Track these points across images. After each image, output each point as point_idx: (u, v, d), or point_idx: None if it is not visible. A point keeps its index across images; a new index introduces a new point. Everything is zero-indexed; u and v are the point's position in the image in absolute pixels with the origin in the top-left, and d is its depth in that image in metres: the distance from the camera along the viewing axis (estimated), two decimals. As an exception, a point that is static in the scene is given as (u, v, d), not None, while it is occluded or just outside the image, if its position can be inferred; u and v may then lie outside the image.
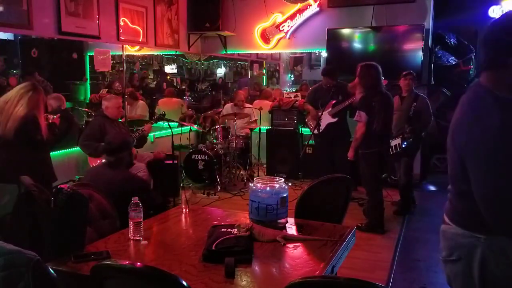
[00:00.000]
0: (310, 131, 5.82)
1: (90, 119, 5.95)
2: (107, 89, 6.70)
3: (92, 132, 4.68)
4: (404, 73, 5.25)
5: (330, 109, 5.57)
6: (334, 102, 5.56)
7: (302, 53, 10.19)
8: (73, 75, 6.37)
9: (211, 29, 7.11)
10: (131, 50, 6.87)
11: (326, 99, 5.55)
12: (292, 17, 7.06)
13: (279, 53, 10.03)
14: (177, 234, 2.48)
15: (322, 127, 5.63)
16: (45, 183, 3.89)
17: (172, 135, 5.25)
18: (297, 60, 11.10)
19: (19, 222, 2.44)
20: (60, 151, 4.90)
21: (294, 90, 9.30)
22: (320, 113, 5.59)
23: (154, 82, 8.98)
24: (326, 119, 5.60)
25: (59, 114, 4.19)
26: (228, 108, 7.08)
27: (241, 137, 6.59)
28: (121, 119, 6.14)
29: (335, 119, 5.57)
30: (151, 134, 6.30)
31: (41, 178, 3.88)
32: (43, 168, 3.91)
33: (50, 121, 4.05)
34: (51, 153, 4.12)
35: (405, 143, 5.01)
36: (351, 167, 4.68)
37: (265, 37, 7.29)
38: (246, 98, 7.92)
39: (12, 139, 3.67)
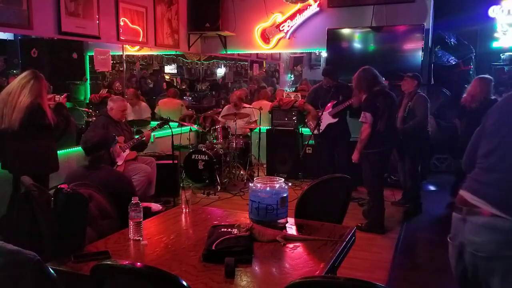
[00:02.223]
0: (310, 131, 5.82)
1: (90, 119, 5.95)
2: (107, 89, 6.69)
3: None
4: (407, 74, 5.27)
5: (330, 109, 5.57)
6: (334, 102, 5.56)
7: (302, 53, 10.18)
8: (73, 75, 6.36)
9: (211, 29, 7.10)
10: (131, 50, 6.87)
11: (326, 99, 5.55)
12: (292, 17, 7.06)
13: (279, 53, 10.03)
14: (177, 234, 2.48)
15: (322, 128, 5.63)
16: (51, 171, 3.98)
17: (172, 135, 5.25)
18: (297, 60, 11.09)
19: (19, 222, 2.45)
20: (60, 151, 4.89)
21: (293, 90, 9.29)
22: (320, 113, 5.59)
23: (154, 82, 8.97)
24: (327, 119, 5.60)
25: (65, 94, 4.24)
26: (226, 109, 7.07)
27: (241, 137, 6.59)
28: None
29: (336, 119, 5.57)
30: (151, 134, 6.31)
31: (48, 166, 3.96)
32: (50, 157, 3.98)
33: (58, 100, 4.08)
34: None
35: None
36: (351, 167, 4.67)
37: (265, 37, 7.29)
38: (246, 98, 7.91)
39: (17, 130, 3.72)
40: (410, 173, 5.22)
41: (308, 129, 6.09)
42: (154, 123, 6.13)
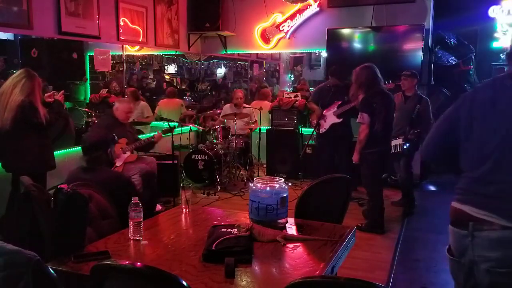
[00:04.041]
0: (314, 130, 5.82)
1: (90, 119, 5.95)
2: (106, 89, 6.69)
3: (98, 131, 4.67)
4: (404, 72, 5.26)
5: (335, 109, 5.56)
6: (339, 102, 5.55)
7: (302, 53, 10.19)
8: (73, 75, 6.36)
9: (211, 29, 7.10)
10: (131, 50, 6.87)
11: (331, 99, 5.54)
12: (292, 17, 7.06)
13: (279, 53, 10.03)
14: (177, 234, 2.48)
15: (326, 127, 5.62)
16: (47, 170, 3.98)
17: (172, 135, 5.25)
18: (297, 60, 11.09)
19: (19, 222, 2.45)
20: (60, 151, 4.90)
21: (291, 90, 9.30)
22: (320, 113, 5.59)
23: (154, 82, 8.98)
24: (331, 119, 5.59)
25: (63, 91, 4.24)
26: (227, 108, 7.07)
27: (241, 137, 6.59)
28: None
29: (340, 120, 5.56)
30: (151, 134, 6.30)
31: (44, 165, 3.96)
32: (45, 155, 3.97)
33: (56, 97, 4.08)
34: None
35: (407, 144, 5.00)
36: (353, 167, 4.67)
37: (265, 37, 7.29)
38: (246, 98, 7.90)
39: (10, 128, 3.72)
40: (405, 167, 5.22)
41: (309, 129, 6.09)
42: (154, 123, 6.13)
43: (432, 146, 1.99)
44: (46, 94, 4.10)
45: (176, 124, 5.33)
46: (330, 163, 5.65)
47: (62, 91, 4.22)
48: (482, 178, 1.71)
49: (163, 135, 5.13)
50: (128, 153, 4.74)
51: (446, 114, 1.92)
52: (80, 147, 4.85)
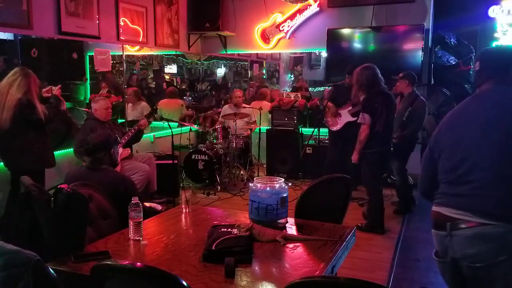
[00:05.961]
0: (328, 128, 5.82)
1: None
2: (107, 89, 6.68)
3: (85, 137, 4.66)
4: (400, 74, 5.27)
5: (350, 108, 5.56)
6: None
7: (302, 53, 10.18)
8: (73, 75, 6.35)
9: (211, 29, 7.11)
10: (131, 50, 6.86)
11: (346, 98, 5.55)
12: (292, 17, 7.06)
13: (279, 53, 10.03)
14: (177, 234, 2.48)
15: (340, 125, 5.64)
16: (47, 167, 3.98)
17: (172, 135, 5.25)
18: (297, 60, 11.09)
19: (19, 222, 2.45)
20: (61, 151, 4.90)
21: (290, 90, 9.30)
22: (335, 110, 5.62)
23: (154, 82, 8.97)
24: (346, 117, 5.60)
25: (60, 85, 4.25)
26: (226, 108, 7.08)
27: (241, 137, 6.59)
28: (124, 119, 6.15)
29: (355, 118, 5.56)
30: (151, 134, 6.31)
31: (45, 162, 3.96)
32: (45, 152, 3.98)
33: (54, 92, 4.08)
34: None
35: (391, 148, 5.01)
36: (358, 167, 4.66)
37: (265, 37, 7.29)
38: (247, 98, 7.90)
39: (9, 128, 3.73)
40: (398, 170, 5.22)
41: (309, 129, 6.08)
42: (154, 123, 6.13)
43: (423, 179, 2.09)
44: (43, 89, 4.11)
45: (157, 110, 5.33)
46: (335, 162, 5.64)
47: (59, 86, 4.21)
48: (457, 179, 1.81)
49: (148, 120, 5.13)
50: (120, 150, 4.73)
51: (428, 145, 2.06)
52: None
